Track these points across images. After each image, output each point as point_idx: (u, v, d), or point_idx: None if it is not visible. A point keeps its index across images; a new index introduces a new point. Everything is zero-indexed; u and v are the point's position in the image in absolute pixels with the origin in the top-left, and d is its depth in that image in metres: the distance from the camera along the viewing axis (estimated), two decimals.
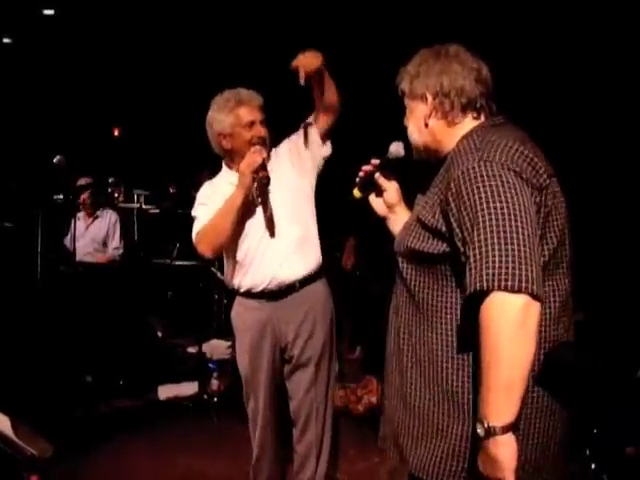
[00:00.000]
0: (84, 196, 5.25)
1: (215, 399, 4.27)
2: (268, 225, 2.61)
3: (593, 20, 4.44)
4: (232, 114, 2.59)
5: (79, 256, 4.84)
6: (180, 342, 5.40)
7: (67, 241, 5.07)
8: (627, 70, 4.34)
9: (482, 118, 1.64)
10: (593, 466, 2.91)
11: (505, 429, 1.34)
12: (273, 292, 2.63)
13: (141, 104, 8.47)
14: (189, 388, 4.47)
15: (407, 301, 1.62)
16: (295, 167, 2.69)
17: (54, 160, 4.26)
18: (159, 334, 5.38)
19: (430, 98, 1.64)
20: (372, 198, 1.97)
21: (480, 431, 1.36)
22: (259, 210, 2.62)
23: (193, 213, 2.70)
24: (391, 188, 1.94)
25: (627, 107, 4.40)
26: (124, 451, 3.61)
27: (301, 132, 2.70)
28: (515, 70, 4.76)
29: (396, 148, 1.93)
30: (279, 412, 2.78)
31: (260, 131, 2.60)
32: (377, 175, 1.93)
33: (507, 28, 4.83)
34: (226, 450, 3.56)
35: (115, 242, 5.33)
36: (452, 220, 1.45)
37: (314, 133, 2.67)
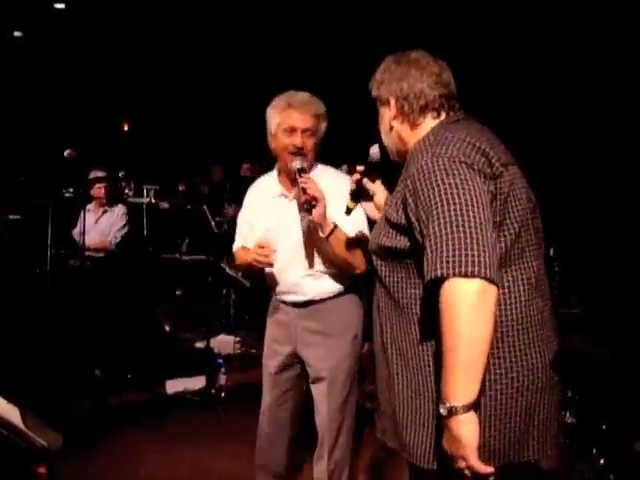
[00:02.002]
0: (99, 189, 5.23)
1: (222, 394, 4.27)
2: (294, 243, 2.54)
3: (591, 19, 4.41)
4: (279, 115, 2.48)
5: (91, 251, 4.85)
6: (188, 337, 5.42)
7: (75, 234, 5.07)
8: (625, 69, 4.31)
9: (442, 117, 1.72)
10: (601, 462, 2.90)
11: (466, 408, 1.38)
12: (296, 302, 2.59)
13: (151, 99, 8.48)
14: (197, 383, 4.47)
15: (385, 297, 1.69)
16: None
17: (64, 153, 4.27)
18: (167, 328, 5.39)
19: (393, 102, 1.74)
20: (364, 204, 2.08)
21: (443, 411, 1.41)
22: (296, 221, 2.55)
23: (238, 218, 2.75)
24: (378, 190, 2.03)
25: (625, 105, 4.37)
26: (132, 444, 3.62)
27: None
28: (515, 69, 4.75)
29: (375, 151, 2.01)
30: (292, 415, 2.70)
31: (297, 140, 2.45)
32: (365, 181, 2.02)
33: (506, 28, 4.81)
34: (233, 445, 3.56)
35: (114, 229, 5.29)
36: (411, 215, 1.54)
37: None
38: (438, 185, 1.47)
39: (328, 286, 2.57)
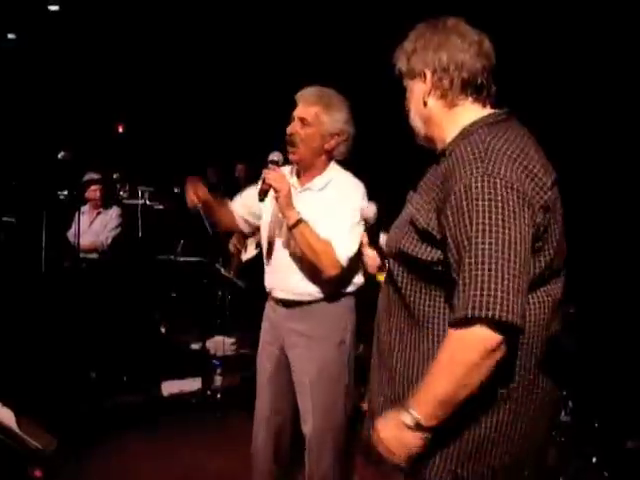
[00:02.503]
0: (93, 191, 5.23)
1: (218, 395, 4.27)
2: (284, 237, 2.51)
3: (593, 17, 4.43)
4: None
5: (82, 252, 4.84)
6: (184, 338, 5.41)
7: (70, 235, 5.06)
8: (627, 69, 4.33)
9: (484, 104, 1.55)
10: (594, 460, 2.91)
11: (430, 429, 1.38)
12: (285, 300, 2.54)
13: (146, 101, 8.48)
14: (192, 384, 4.47)
15: (398, 302, 1.58)
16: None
17: (59, 156, 4.27)
18: (163, 330, 5.39)
19: (429, 75, 1.53)
20: None
21: (408, 420, 1.39)
22: (278, 216, 2.51)
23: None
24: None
25: (621, 105, 4.39)
26: (127, 446, 3.62)
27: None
28: (515, 68, 4.76)
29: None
30: (288, 418, 2.63)
31: (290, 127, 2.47)
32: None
33: (507, 26, 4.82)
34: (229, 446, 3.56)
35: (107, 230, 5.27)
36: (448, 233, 1.40)
37: None
38: (484, 210, 1.34)
39: (315, 288, 2.49)
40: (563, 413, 3.22)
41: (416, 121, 1.61)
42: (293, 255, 2.49)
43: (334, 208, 2.41)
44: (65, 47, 7.64)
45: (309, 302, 2.51)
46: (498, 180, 1.36)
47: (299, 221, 2.34)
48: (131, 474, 3.35)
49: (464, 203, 1.36)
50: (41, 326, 4.21)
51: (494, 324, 1.30)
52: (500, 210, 1.33)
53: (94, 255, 5.15)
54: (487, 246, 1.32)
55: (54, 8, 7.07)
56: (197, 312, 5.27)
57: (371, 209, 2.08)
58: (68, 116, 8.22)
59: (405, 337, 1.55)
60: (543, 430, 1.55)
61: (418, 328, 1.52)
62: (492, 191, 1.35)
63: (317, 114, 2.43)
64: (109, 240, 5.22)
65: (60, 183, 5.14)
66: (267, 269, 2.61)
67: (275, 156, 2.42)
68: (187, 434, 3.81)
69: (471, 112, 1.53)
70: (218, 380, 4.33)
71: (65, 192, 5.11)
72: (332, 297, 2.52)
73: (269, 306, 2.65)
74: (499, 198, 1.34)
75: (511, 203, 1.34)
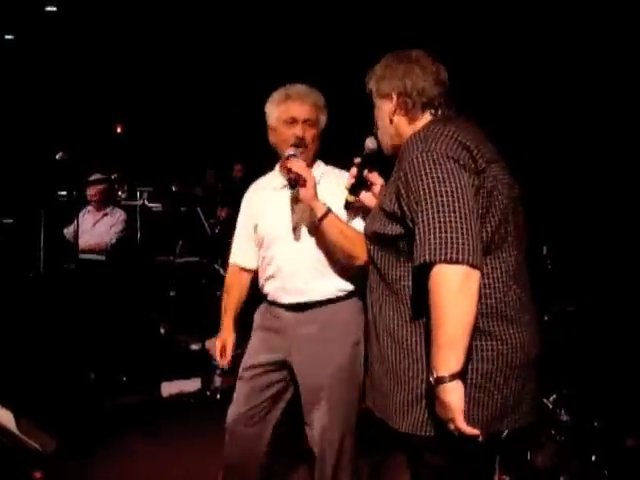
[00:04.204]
0: (95, 191, 5.21)
1: (218, 396, 4.27)
2: (296, 235, 2.43)
3: (591, 18, 4.43)
4: (278, 108, 2.44)
5: (86, 252, 4.84)
6: (183, 339, 5.40)
7: (67, 232, 5.05)
8: (623, 67, 4.33)
9: (438, 114, 1.85)
10: (593, 458, 2.91)
11: (452, 377, 1.55)
12: (295, 304, 2.44)
13: (144, 101, 8.47)
14: (192, 385, 4.47)
15: (377, 278, 1.86)
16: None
17: (57, 156, 4.26)
18: (162, 331, 5.38)
19: (395, 97, 1.86)
20: (363, 195, 2.17)
21: (432, 380, 1.59)
22: (290, 216, 2.44)
23: (237, 224, 2.68)
24: (378, 181, 2.15)
25: (616, 103, 4.39)
26: (127, 447, 3.61)
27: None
28: (513, 67, 4.76)
29: (371, 142, 2.09)
30: (267, 435, 2.52)
31: (299, 130, 2.39)
32: (366, 173, 2.12)
33: (501, 25, 4.83)
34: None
35: (113, 231, 5.28)
36: (403, 204, 1.70)
37: None
38: (427, 177, 1.63)
39: (332, 286, 2.42)
40: (562, 412, 3.22)
41: (384, 135, 1.95)
42: (312, 253, 2.40)
43: (336, 197, 2.33)
44: (63, 48, 7.64)
45: (322, 303, 2.42)
46: (435, 153, 1.65)
47: (329, 210, 2.26)
48: (131, 475, 3.35)
49: (409, 175, 1.67)
50: (40, 327, 4.20)
51: (448, 264, 1.54)
52: (440, 174, 1.62)
53: (93, 256, 5.14)
54: (434, 204, 1.59)
55: (51, 9, 7.06)
56: (197, 312, 5.26)
57: (371, 141, 2.12)
58: (66, 116, 8.22)
59: (384, 305, 1.82)
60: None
61: (393, 294, 1.79)
62: (431, 162, 1.65)
63: (317, 113, 2.44)
64: (114, 240, 5.23)
65: (58, 184, 5.13)
66: (273, 275, 2.48)
67: (291, 150, 2.35)
68: (186, 435, 3.80)
69: (425, 121, 1.86)
70: (218, 381, 4.32)
71: (64, 192, 5.09)
72: (346, 296, 2.45)
73: (271, 313, 2.52)
74: (437, 166, 1.63)
75: (448, 166, 1.63)
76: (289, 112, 2.41)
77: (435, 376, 1.57)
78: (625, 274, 3.71)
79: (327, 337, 2.41)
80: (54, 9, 7.06)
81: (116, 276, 5.05)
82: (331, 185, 2.41)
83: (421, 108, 1.85)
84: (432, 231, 1.57)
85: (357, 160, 2.14)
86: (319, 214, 2.25)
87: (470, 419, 1.60)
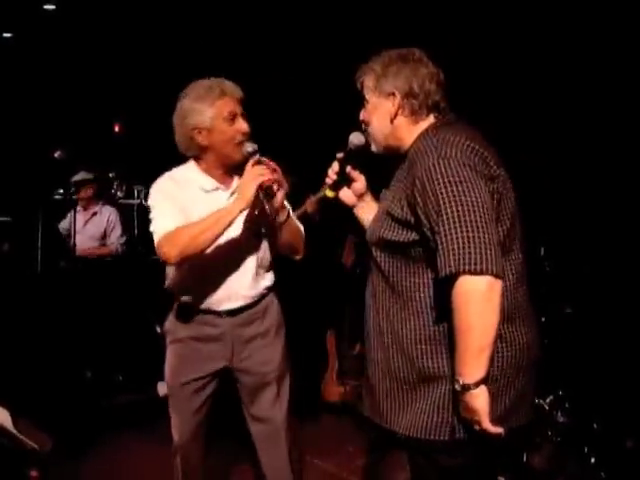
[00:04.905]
0: (85, 191, 5.22)
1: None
2: (234, 241, 2.33)
3: (587, 13, 4.43)
4: (214, 106, 2.26)
5: (77, 252, 4.83)
6: None
7: (62, 227, 5.05)
8: (622, 68, 4.33)
9: (439, 117, 1.82)
10: (592, 460, 2.92)
11: (477, 384, 1.58)
12: (233, 309, 2.40)
13: (142, 100, 8.46)
14: None
15: (383, 285, 1.82)
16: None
17: (55, 154, 4.26)
18: (158, 330, 5.37)
19: (399, 97, 1.80)
20: (343, 193, 2.07)
21: (458, 387, 1.61)
22: (242, 224, 2.34)
23: (154, 204, 2.31)
24: (360, 178, 2.06)
25: (614, 105, 4.39)
26: (123, 447, 3.61)
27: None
28: (510, 68, 4.76)
29: (357, 137, 1.98)
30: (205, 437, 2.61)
31: (244, 126, 2.29)
32: (348, 169, 2.02)
33: (498, 25, 4.83)
34: (225, 445, 3.55)
35: (115, 235, 5.30)
36: (420, 212, 1.66)
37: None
38: (446, 186, 1.60)
39: (262, 285, 2.44)
40: (559, 413, 3.22)
41: (378, 134, 1.87)
42: (249, 258, 2.38)
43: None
44: (60, 46, 7.62)
45: (255, 303, 2.43)
46: (451, 160, 1.63)
47: (289, 211, 2.30)
48: (127, 474, 3.35)
49: (427, 183, 1.63)
50: (37, 326, 4.20)
51: (473, 275, 1.54)
52: (458, 182, 1.60)
53: (89, 255, 5.15)
54: (455, 213, 1.57)
55: (50, 7, 7.04)
56: None
57: (357, 136, 2.00)
58: (64, 115, 8.20)
59: (392, 313, 1.79)
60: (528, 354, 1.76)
61: (402, 303, 1.76)
62: (447, 169, 1.62)
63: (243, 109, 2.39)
64: (123, 239, 5.31)
65: (56, 182, 5.12)
66: (209, 283, 2.37)
67: (249, 146, 2.23)
68: None
69: (428, 123, 1.82)
70: None
71: (61, 191, 5.09)
72: (270, 289, 2.50)
73: (202, 324, 2.43)
74: (455, 173, 1.61)
75: (465, 174, 1.61)
76: (229, 108, 2.27)
77: (462, 383, 1.60)
78: (623, 275, 3.71)
79: (267, 333, 2.46)
80: (52, 7, 7.04)
81: (113, 275, 5.05)
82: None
83: (426, 110, 1.81)
84: (455, 242, 1.56)
85: (340, 155, 2.02)
86: (283, 217, 2.26)
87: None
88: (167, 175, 2.43)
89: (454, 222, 1.57)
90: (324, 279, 4.52)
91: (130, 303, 4.97)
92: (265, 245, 2.43)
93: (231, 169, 2.37)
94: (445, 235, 1.58)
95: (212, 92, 2.28)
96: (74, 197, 5.17)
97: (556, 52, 4.63)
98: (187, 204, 2.29)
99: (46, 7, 7.06)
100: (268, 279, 2.48)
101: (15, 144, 7.45)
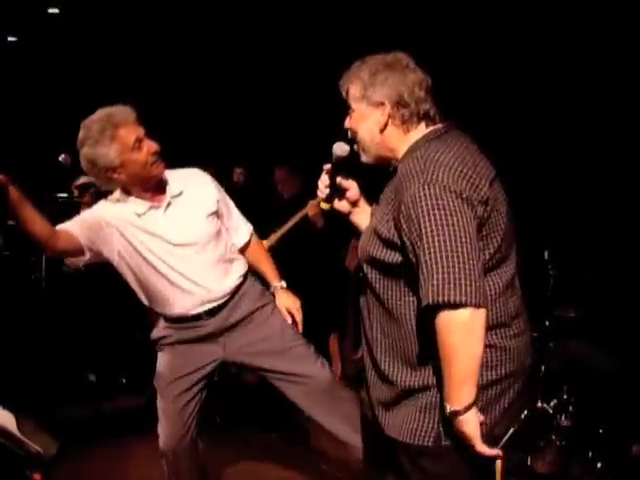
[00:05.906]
0: (89, 195, 5.21)
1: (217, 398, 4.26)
2: (196, 248, 2.44)
3: (586, 15, 4.42)
4: (115, 142, 2.24)
5: None
6: None
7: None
8: (622, 69, 4.32)
9: (433, 124, 1.76)
10: (598, 465, 2.90)
11: (466, 409, 1.58)
12: (213, 308, 2.48)
13: (146, 103, 8.48)
14: None
15: (374, 300, 1.82)
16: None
17: (59, 158, 4.26)
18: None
19: (388, 106, 1.73)
20: (338, 203, 2.03)
21: (447, 412, 1.61)
22: (188, 221, 2.44)
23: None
24: (352, 185, 2.02)
25: (617, 107, 4.38)
26: (127, 449, 3.61)
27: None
28: (509, 69, 4.76)
29: (340, 148, 1.94)
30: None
31: (152, 147, 2.31)
32: (338, 180, 1.98)
33: (495, 24, 4.83)
34: (227, 448, 3.55)
35: None
36: (405, 238, 1.63)
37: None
38: (429, 215, 1.56)
39: (236, 276, 2.53)
40: (563, 417, 3.21)
41: (367, 144, 1.80)
42: (216, 258, 2.47)
43: (207, 194, 2.56)
44: (64, 50, 7.64)
45: (234, 293, 2.51)
46: (437, 185, 1.57)
47: None
48: (129, 476, 3.35)
49: (411, 210, 1.59)
50: (40, 330, 4.20)
51: (453, 307, 1.52)
52: (442, 209, 1.56)
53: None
54: (437, 242, 1.54)
55: (54, 11, 7.06)
56: None
57: (340, 147, 1.96)
58: (69, 118, 8.22)
59: (385, 329, 1.80)
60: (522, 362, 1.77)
61: (394, 320, 1.75)
62: (433, 195, 1.57)
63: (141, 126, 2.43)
64: None
65: (60, 186, 5.13)
66: (185, 293, 2.44)
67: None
68: None
69: (420, 132, 1.76)
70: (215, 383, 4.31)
71: (65, 195, 5.09)
72: (245, 275, 2.58)
73: (190, 327, 2.51)
74: (440, 200, 1.57)
75: (450, 202, 1.56)
76: (131, 136, 2.27)
77: (450, 410, 1.60)
78: (628, 278, 3.70)
79: (255, 313, 2.54)
80: (56, 11, 7.07)
81: (115, 277, 5.04)
82: (197, 187, 2.47)
83: (417, 118, 1.74)
84: (436, 272, 1.53)
85: (327, 167, 1.97)
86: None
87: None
88: (105, 203, 2.49)
89: (434, 252, 1.54)
90: (327, 282, 4.52)
91: (132, 305, 4.97)
92: (223, 241, 2.49)
93: (157, 185, 2.41)
94: (427, 264, 1.55)
95: (106, 130, 2.24)
96: (78, 201, 5.17)
97: (558, 55, 4.63)
98: (128, 240, 2.39)
99: (50, 11, 7.08)
100: (237, 269, 2.54)
101: (19, 147, 7.47)
